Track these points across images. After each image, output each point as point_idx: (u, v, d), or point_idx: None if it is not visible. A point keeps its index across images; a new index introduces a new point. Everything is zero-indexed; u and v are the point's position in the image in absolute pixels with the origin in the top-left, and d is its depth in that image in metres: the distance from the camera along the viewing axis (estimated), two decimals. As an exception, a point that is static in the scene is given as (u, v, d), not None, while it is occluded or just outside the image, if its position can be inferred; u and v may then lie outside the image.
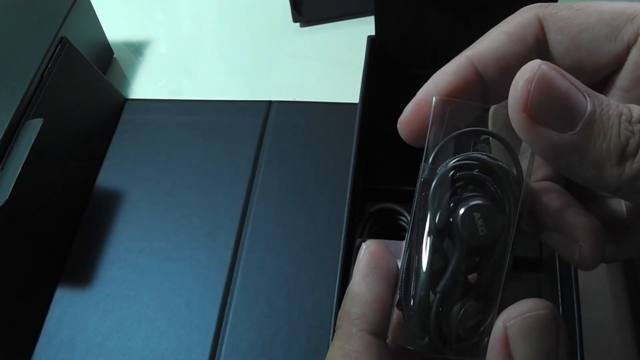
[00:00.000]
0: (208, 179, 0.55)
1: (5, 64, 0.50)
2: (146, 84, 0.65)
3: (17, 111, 0.47)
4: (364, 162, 0.46)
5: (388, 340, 0.24)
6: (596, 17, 0.23)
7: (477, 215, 0.23)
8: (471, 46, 0.27)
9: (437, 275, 0.23)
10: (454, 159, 0.24)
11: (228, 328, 0.47)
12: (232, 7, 0.71)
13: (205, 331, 0.47)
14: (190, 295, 0.49)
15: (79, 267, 0.51)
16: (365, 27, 0.56)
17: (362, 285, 0.24)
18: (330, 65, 0.63)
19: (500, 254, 0.23)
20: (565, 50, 0.24)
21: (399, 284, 0.24)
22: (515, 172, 0.24)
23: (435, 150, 0.24)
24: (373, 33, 0.50)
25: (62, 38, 0.52)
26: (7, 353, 0.46)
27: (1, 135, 0.45)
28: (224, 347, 0.46)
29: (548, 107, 0.21)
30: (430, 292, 0.23)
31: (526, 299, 0.21)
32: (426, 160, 0.24)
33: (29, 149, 0.45)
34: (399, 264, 0.24)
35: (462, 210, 0.23)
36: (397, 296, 0.24)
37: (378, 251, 0.24)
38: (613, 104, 0.21)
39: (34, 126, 0.46)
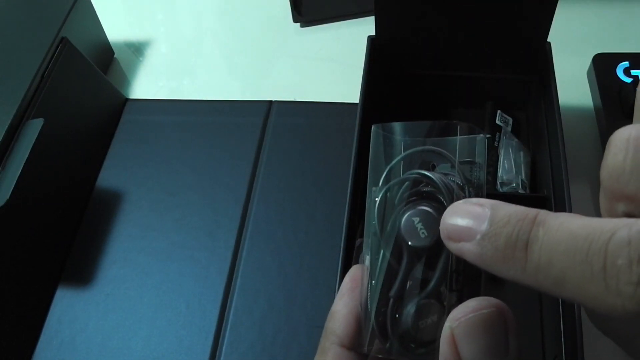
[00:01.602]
0: (208, 179, 0.55)
1: (5, 63, 0.50)
2: (146, 84, 0.65)
3: (18, 111, 0.47)
4: (364, 162, 0.46)
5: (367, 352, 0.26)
6: None
7: (416, 220, 0.25)
8: None
9: (390, 282, 0.25)
10: (398, 179, 0.26)
11: (228, 328, 0.47)
12: (232, 7, 0.71)
13: (206, 331, 0.47)
14: (191, 295, 0.49)
15: (80, 267, 0.51)
16: (365, 27, 0.56)
17: (339, 304, 0.26)
18: (330, 66, 0.64)
19: (446, 256, 0.24)
20: None
21: (364, 297, 0.25)
22: (458, 181, 0.26)
23: (385, 173, 0.26)
24: (373, 33, 0.50)
25: (62, 38, 0.52)
26: (7, 353, 0.46)
27: (2, 135, 0.45)
28: (224, 347, 0.46)
29: None
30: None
31: (472, 299, 0.22)
32: (375, 184, 0.26)
33: (29, 148, 0.45)
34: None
35: (404, 218, 0.25)
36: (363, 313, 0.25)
37: (357, 273, 0.26)
38: None
39: (35, 126, 0.46)
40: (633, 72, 0.53)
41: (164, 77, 0.65)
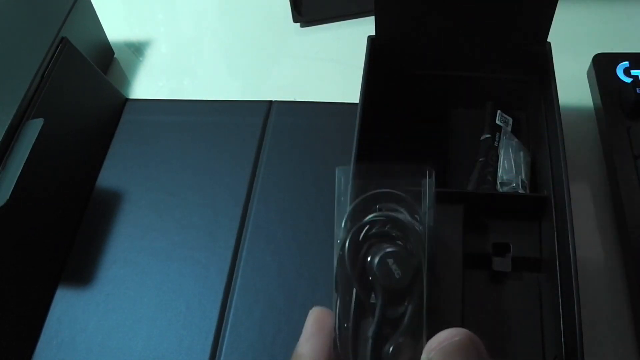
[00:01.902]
0: (208, 179, 0.55)
1: (5, 63, 0.50)
2: (147, 84, 0.65)
3: (18, 111, 0.46)
4: (365, 162, 0.46)
5: None
6: None
7: (390, 261, 0.26)
8: None
9: (364, 323, 0.26)
10: (362, 221, 0.27)
11: (229, 328, 0.47)
12: (232, 7, 0.71)
13: (206, 331, 0.47)
14: (191, 295, 0.49)
15: (80, 267, 0.51)
16: (365, 27, 0.56)
17: (306, 346, 0.26)
18: (330, 66, 0.64)
19: (419, 294, 0.26)
20: None
21: (335, 338, 0.26)
22: (419, 223, 0.27)
23: (347, 214, 0.27)
24: (373, 33, 0.50)
25: (62, 38, 0.52)
26: (7, 353, 0.46)
27: (2, 136, 0.45)
28: (224, 347, 0.46)
29: None
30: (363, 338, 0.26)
31: (443, 330, 0.24)
32: (339, 226, 0.27)
33: (29, 149, 0.45)
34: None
35: (377, 259, 0.26)
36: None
37: (321, 315, 0.27)
38: None
39: (35, 126, 0.46)
40: (633, 72, 0.53)
41: (164, 77, 0.65)
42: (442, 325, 0.25)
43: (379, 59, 0.50)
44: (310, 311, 0.28)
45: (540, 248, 0.46)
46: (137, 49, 0.68)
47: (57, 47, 0.52)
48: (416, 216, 0.28)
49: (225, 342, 0.46)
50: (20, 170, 0.44)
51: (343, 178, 0.29)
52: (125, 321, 0.48)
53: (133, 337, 0.47)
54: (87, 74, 0.56)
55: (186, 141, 0.58)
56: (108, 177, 0.56)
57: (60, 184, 0.52)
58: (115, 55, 0.67)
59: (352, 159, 0.43)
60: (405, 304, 0.26)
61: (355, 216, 0.28)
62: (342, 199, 0.28)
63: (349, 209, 0.28)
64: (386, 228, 0.27)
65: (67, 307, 0.49)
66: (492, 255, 0.46)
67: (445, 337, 0.24)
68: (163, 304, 0.49)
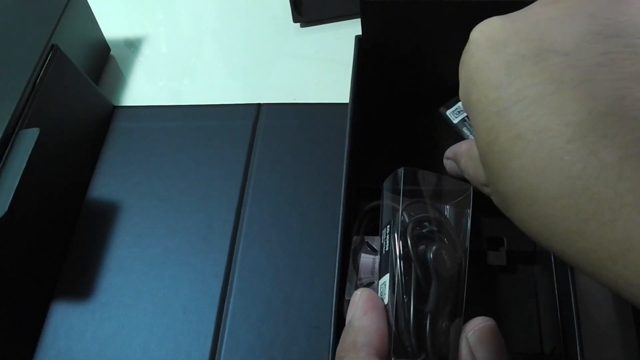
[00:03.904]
0: (200, 183, 0.55)
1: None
2: (147, 85, 0.64)
3: (11, 121, 0.46)
4: (357, 161, 0.46)
5: None
6: None
7: (444, 252, 0.30)
8: None
9: (420, 303, 0.29)
10: (413, 218, 0.32)
11: (226, 332, 0.47)
12: (232, 7, 0.71)
13: (204, 336, 0.47)
14: (188, 301, 0.49)
15: (74, 277, 0.51)
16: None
17: (365, 319, 0.29)
18: (330, 66, 0.64)
19: (462, 282, 0.30)
20: None
21: (392, 316, 0.29)
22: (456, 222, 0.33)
23: (400, 212, 0.32)
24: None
25: (53, 45, 0.52)
26: (4, 365, 0.46)
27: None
28: (223, 351, 0.46)
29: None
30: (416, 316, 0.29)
31: (475, 317, 0.29)
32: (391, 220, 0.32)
33: (26, 159, 0.45)
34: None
35: (433, 249, 0.30)
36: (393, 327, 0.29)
37: (371, 294, 0.30)
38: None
39: (31, 136, 0.46)
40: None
41: (163, 77, 0.65)
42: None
43: (367, 58, 0.50)
44: (359, 292, 0.30)
45: (534, 241, 0.46)
46: (135, 49, 0.68)
47: (48, 54, 0.51)
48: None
49: (223, 346, 0.46)
50: (18, 181, 0.43)
51: (403, 177, 0.33)
52: (122, 329, 0.48)
53: (130, 345, 0.47)
54: (77, 82, 0.56)
55: (176, 147, 0.58)
56: (99, 186, 0.56)
57: (54, 193, 0.51)
58: (112, 54, 0.67)
59: (345, 159, 0.43)
60: (455, 289, 0.30)
61: (402, 215, 0.32)
62: (396, 195, 0.33)
63: (402, 206, 0.32)
64: (434, 227, 0.32)
65: (63, 317, 0.49)
66: (487, 250, 0.46)
67: (480, 322, 0.29)
68: (159, 310, 0.48)
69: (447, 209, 0.34)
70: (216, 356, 0.46)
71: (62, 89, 0.53)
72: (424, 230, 0.31)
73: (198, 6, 0.72)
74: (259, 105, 0.59)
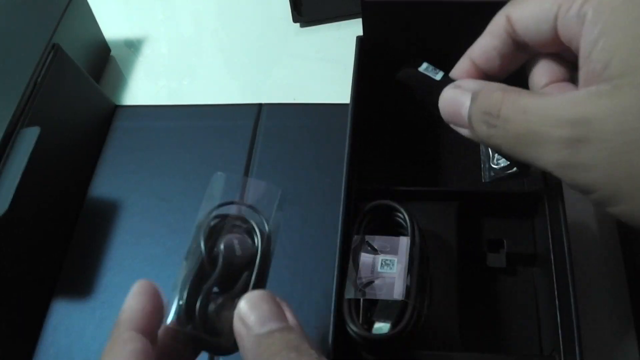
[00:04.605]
0: (201, 183, 0.54)
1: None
2: (147, 84, 0.65)
3: (12, 119, 0.46)
4: (356, 161, 0.46)
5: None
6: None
7: (236, 242, 0.34)
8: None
9: (202, 283, 0.33)
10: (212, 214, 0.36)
11: (226, 331, 0.47)
12: (232, 7, 0.71)
13: (203, 335, 0.47)
14: (187, 300, 0.48)
15: (74, 276, 0.51)
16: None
17: (131, 301, 0.32)
18: (331, 66, 0.64)
19: (250, 272, 0.34)
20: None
21: (179, 291, 0.32)
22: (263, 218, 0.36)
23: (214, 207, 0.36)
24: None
25: (54, 44, 0.52)
26: (4, 364, 0.46)
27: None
28: (222, 351, 0.46)
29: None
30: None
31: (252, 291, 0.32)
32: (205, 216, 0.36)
33: (27, 157, 0.45)
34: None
35: (225, 238, 0.34)
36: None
37: (143, 282, 0.32)
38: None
39: (32, 135, 0.46)
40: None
41: (163, 77, 0.65)
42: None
43: (368, 58, 0.50)
44: (137, 282, 0.33)
45: (534, 243, 0.46)
46: (136, 49, 0.68)
47: (50, 53, 0.51)
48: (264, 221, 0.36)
49: (223, 345, 0.46)
50: (18, 180, 0.43)
51: (218, 182, 0.39)
52: (122, 328, 0.48)
53: (130, 344, 0.47)
54: (78, 81, 0.56)
55: (177, 146, 0.58)
56: (100, 185, 0.56)
57: (54, 192, 0.51)
58: (112, 55, 0.67)
59: (345, 159, 0.43)
60: (239, 275, 0.34)
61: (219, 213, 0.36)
62: (214, 196, 0.37)
63: (215, 206, 0.37)
64: (238, 223, 0.36)
65: (63, 315, 0.49)
66: (487, 252, 0.46)
67: (253, 292, 0.32)
68: (159, 309, 0.48)
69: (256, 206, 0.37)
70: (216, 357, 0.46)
71: (63, 88, 0.53)
72: (220, 224, 0.35)
73: (198, 6, 0.72)
74: (260, 105, 0.59)
